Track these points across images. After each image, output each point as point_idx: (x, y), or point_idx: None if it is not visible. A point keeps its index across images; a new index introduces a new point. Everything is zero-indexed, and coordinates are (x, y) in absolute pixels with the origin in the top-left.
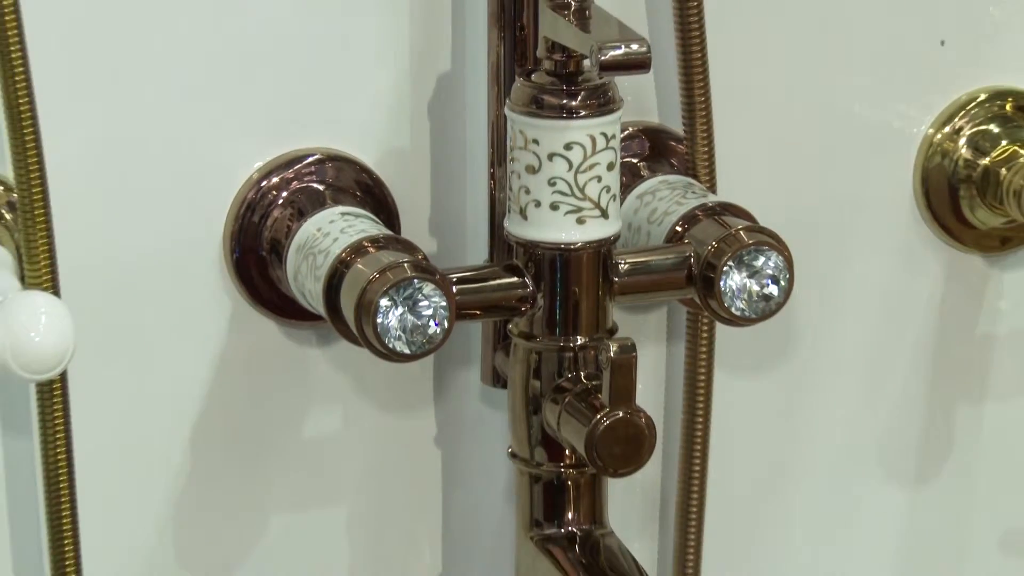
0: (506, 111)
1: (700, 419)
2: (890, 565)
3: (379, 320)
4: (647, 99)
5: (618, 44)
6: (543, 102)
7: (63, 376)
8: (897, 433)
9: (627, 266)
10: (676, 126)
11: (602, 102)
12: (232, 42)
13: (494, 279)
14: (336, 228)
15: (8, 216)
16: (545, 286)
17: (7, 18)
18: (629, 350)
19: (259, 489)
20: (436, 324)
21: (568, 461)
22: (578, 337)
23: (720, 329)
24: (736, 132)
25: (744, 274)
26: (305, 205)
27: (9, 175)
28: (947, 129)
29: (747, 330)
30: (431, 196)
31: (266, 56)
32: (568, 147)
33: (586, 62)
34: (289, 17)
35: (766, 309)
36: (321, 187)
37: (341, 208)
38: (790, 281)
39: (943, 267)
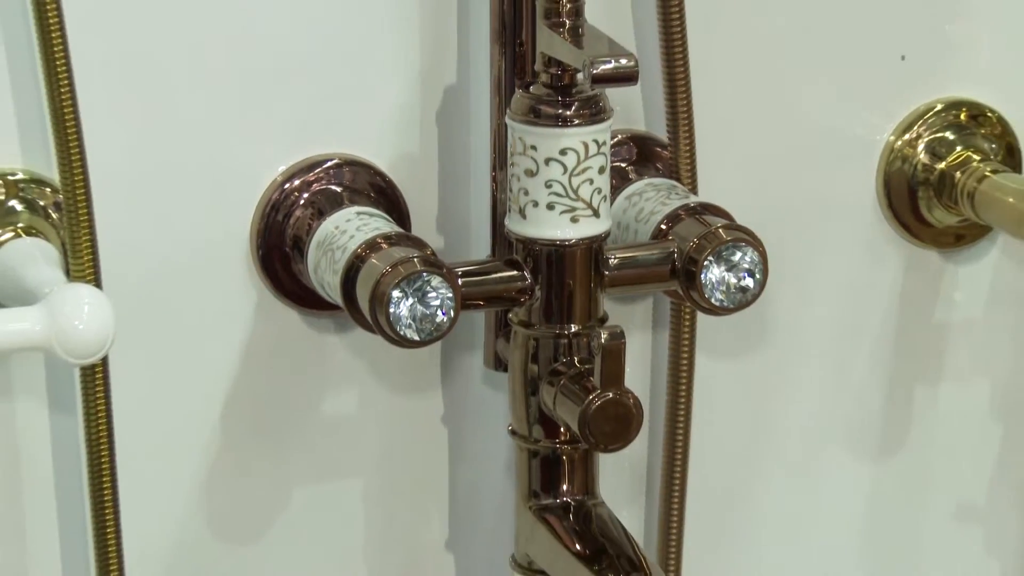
0: (507, 120)
1: (683, 399)
2: (855, 530)
3: (391, 310)
4: (634, 109)
5: (608, 59)
6: (540, 112)
7: (104, 360)
8: (861, 411)
9: (617, 261)
10: (661, 133)
11: (594, 112)
12: (259, 58)
13: (496, 272)
14: (352, 226)
15: (55, 216)
16: (542, 279)
17: (53, 38)
18: (618, 337)
19: (282, 463)
20: (443, 313)
21: (563, 438)
22: (572, 325)
23: (701, 318)
24: (715, 139)
25: (723, 268)
26: (324, 205)
27: (55, 179)
28: (907, 136)
29: (726, 319)
30: (438, 197)
31: (289, 71)
32: (563, 152)
33: (579, 75)
34: (310, 35)
35: (743, 300)
36: (339, 189)
37: (357, 208)
38: (764, 274)
39: (903, 262)
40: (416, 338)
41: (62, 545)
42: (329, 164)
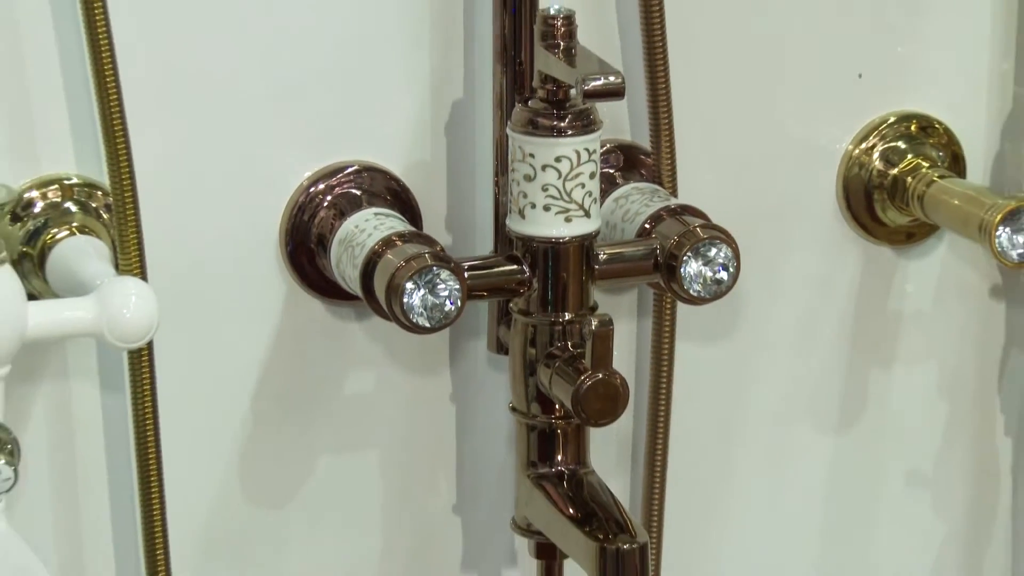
0: (508, 131)
1: (664, 380)
2: (818, 496)
3: (405, 300)
4: (621, 121)
5: (598, 76)
6: (538, 123)
7: (149, 345)
8: (823, 391)
9: (605, 256)
10: (645, 143)
11: (585, 123)
12: (287, 75)
13: (498, 267)
14: (370, 225)
15: (105, 216)
16: (539, 272)
17: (104, 58)
18: (607, 324)
19: (308, 436)
20: (451, 303)
21: (558, 414)
22: (566, 313)
23: (681, 307)
24: (694, 147)
25: (700, 263)
26: (345, 207)
27: (106, 183)
28: (863, 145)
29: (703, 308)
30: (447, 199)
31: (314, 86)
32: (558, 160)
33: (572, 91)
34: (333, 56)
35: (718, 291)
36: (358, 192)
37: (374, 209)
38: (737, 268)
39: (860, 257)
40: (427, 325)
41: (112, 509)
42: (350, 170)
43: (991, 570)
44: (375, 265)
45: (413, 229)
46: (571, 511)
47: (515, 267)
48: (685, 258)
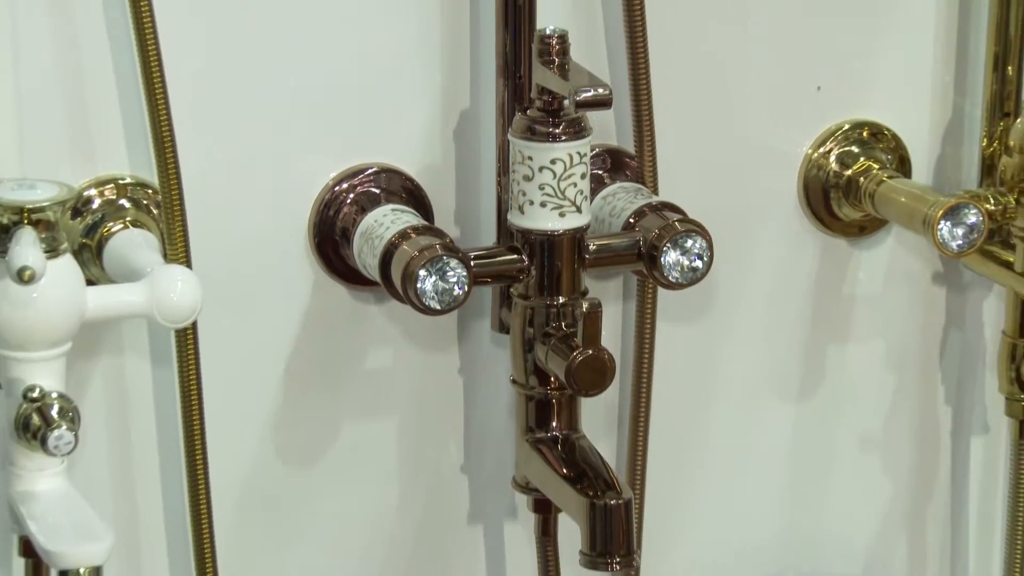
0: (509, 137)
1: (647, 355)
2: (781, 456)
3: (419, 285)
4: (609, 128)
5: (589, 88)
6: (535, 130)
7: (194, 325)
8: (786, 364)
9: (595, 247)
10: (629, 147)
11: (577, 130)
12: (315, 88)
13: (500, 256)
14: (388, 220)
15: (155, 211)
16: (536, 261)
17: (153, 73)
18: (596, 306)
19: (333, 404)
20: (459, 288)
21: (553, 385)
22: (560, 297)
23: (661, 292)
24: (673, 151)
25: (678, 252)
26: (366, 203)
27: (155, 182)
28: (821, 150)
29: (680, 292)
30: (455, 197)
31: (339, 98)
32: (553, 162)
33: (566, 102)
34: (355, 71)
35: (694, 278)
36: (377, 191)
37: (391, 206)
38: (711, 258)
39: (818, 248)
40: (438, 307)
41: (161, 469)
42: (370, 171)
43: (932, 522)
44: (392, 255)
45: (425, 223)
46: (565, 471)
47: (515, 256)
48: (665, 248)
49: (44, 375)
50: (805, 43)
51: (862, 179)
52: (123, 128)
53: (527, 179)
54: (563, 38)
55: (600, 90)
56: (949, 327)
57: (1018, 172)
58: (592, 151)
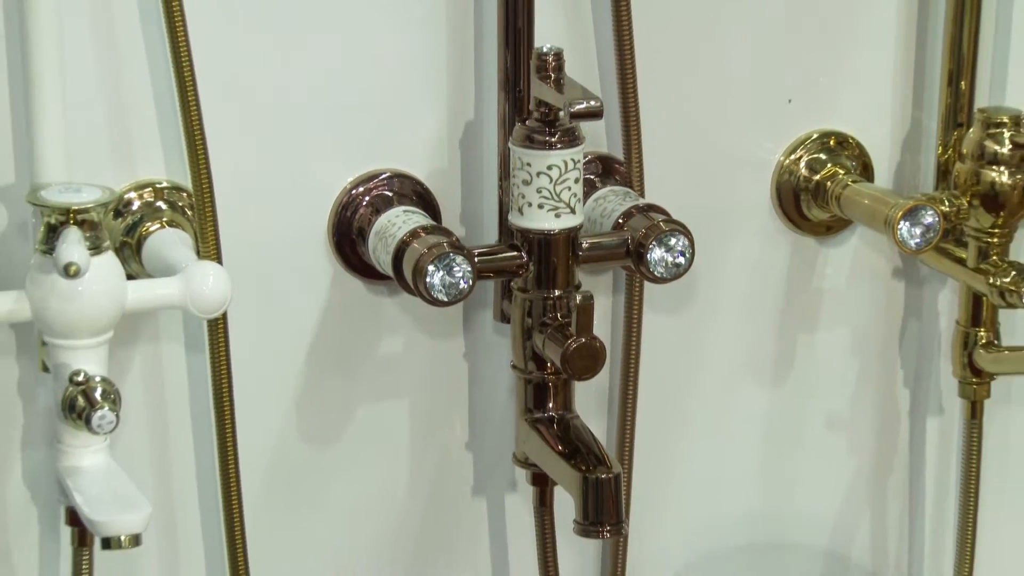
0: (510, 145)
1: (634, 343)
2: (756, 435)
3: (428, 280)
4: (600, 136)
5: (582, 101)
6: (533, 139)
7: (224, 315)
8: (760, 351)
9: (587, 245)
10: (618, 154)
11: (571, 139)
12: (335, 101)
13: (501, 253)
14: (400, 220)
15: (189, 212)
16: (534, 258)
17: (187, 84)
18: (589, 299)
19: (349, 387)
20: (464, 282)
21: (549, 370)
22: (555, 290)
23: (647, 285)
24: (658, 158)
25: (662, 250)
26: (380, 205)
27: (189, 186)
28: (792, 157)
29: (664, 286)
30: (461, 199)
31: (356, 109)
32: (549, 168)
33: (561, 113)
34: (371, 85)
35: (677, 272)
36: (390, 194)
37: (403, 207)
38: (692, 254)
39: (789, 245)
40: (445, 300)
41: (195, 446)
42: (383, 176)
43: (892, 495)
44: (404, 252)
45: (434, 223)
46: (560, 448)
47: (515, 253)
48: (651, 246)
49: (88, 361)
50: (778, 60)
51: (829, 183)
52: (160, 137)
53: (526, 183)
54: (559, 56)
55: (592, 103)
56: (908, 317)
57: (970, 177)
58: (585, 158)
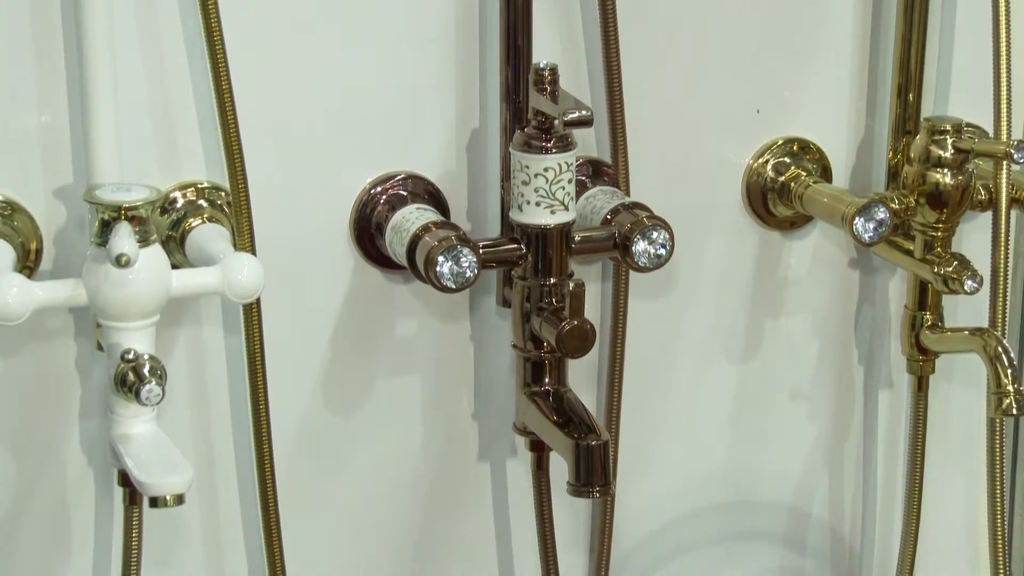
0: (511, 150)
1: (620, 325)
2: (728, 408)
3: (438, 269)
4: (590, 142)
5: (575, 111)
6: (531, 144)
7: (258, 301)
8: (732, 333)
9: (579, 238)
10: (607, 157)
11: (565, 144)
12: (356, 110)
13: (503, 245)
14: (413, 216)
15: (227, 209)
16: (532, 249)
17: (225, 94)
18: (581, 286)
19: (369, 364)
20: (471, 271)
21: (546, 349)
22: (551, 278)
23: (632, 274)
24: (642, 161)
25: (646, 243)
26: (396, 203)
27: (227, 186)
28: (760, 160)
29: (648, 275)
30: (468, 198)
31: (375, 118)
32: (545, 170)
33: (556, 122)
34: (388, 96)
35: (659, 263)
36: (404, 193)
37: (416, 205)
38: (672, 247)
39: (758, 239)
40: (453, 287)
41: (232, 417)
42: (399, 177)
43: (848, 459)
44: (416, 244)
45: (443, 219)
46: (555, 418)
47: (515, 246)
48: (635, 239)
49: (138, 340)
50: (748, 76)
51: (793, 184)
52: (201, 142)
53: (525, 184)
54: (554, 70)
55: (583, 112)
56: (862, 302)
57: (917, 178)
58: (577, 161)
